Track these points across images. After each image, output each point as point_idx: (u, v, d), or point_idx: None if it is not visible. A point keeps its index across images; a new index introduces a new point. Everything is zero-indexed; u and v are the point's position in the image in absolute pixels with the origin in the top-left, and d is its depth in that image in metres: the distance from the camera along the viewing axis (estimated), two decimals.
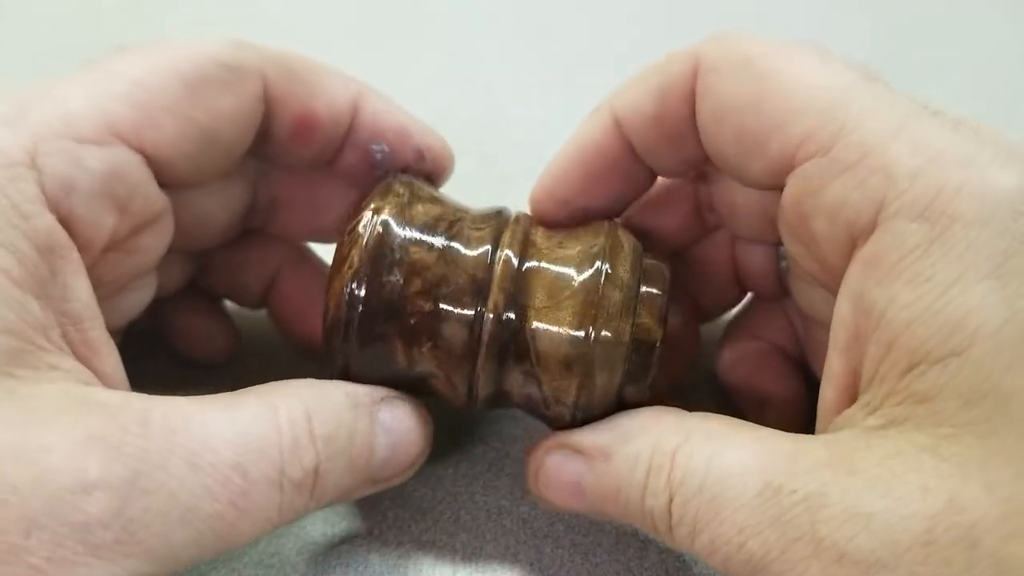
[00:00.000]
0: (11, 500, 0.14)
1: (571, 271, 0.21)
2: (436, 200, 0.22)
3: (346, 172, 0.24)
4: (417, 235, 0.21)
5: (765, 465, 0.17)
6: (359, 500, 0.24)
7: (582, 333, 0.20)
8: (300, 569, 0.23)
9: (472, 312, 0.20)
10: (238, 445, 0.17)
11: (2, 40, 0.48)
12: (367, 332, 0.20)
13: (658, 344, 0.21)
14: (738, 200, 0.23)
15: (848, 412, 0.18)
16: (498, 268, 0.21)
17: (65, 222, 0.18)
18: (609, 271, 0.20)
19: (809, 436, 0.18)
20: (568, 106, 0.39)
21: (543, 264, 0.21)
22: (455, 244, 0.21)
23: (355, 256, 0.20)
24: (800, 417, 0.25)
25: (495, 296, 0.20)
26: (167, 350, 0.28)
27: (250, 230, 0.26)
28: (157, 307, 0.27)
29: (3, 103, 0.19)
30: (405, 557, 0.23)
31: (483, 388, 0.21)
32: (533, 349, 0.20)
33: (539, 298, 0.20)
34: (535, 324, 0.20)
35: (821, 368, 0.20)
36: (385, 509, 0.24)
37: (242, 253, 0.27)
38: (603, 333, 0.20)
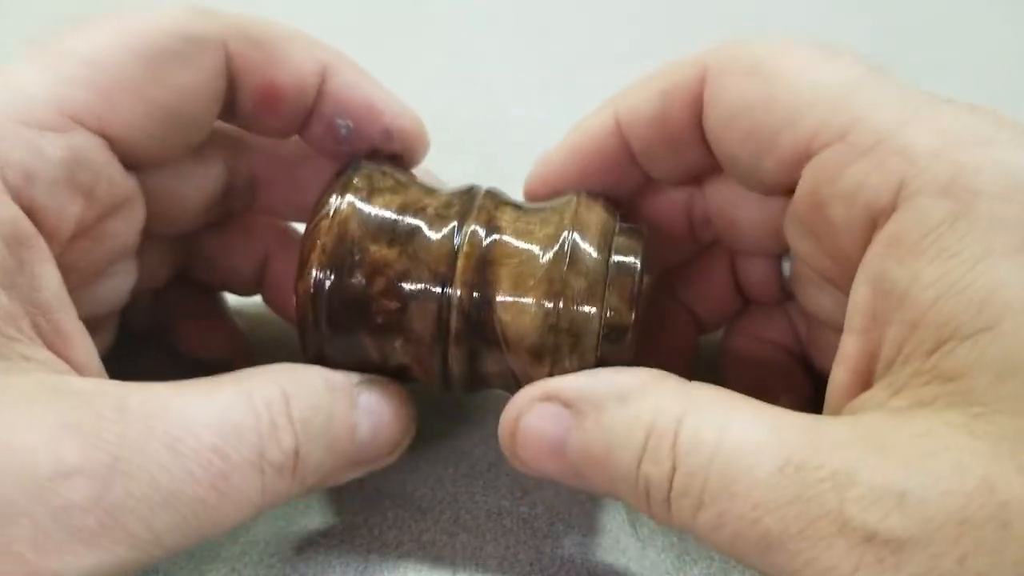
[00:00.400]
0: None
1: (536, 257, 0.20)
2: (398, 188, 0.22)
3: (316, 143, 0.23)
4: (377, 232, 0.20)
5: (784, 440, 0.16)
6: (359, 500, 0.24)
7: (548, 321, 0.20)
8: (300, 569, 0.23)
9: (437, 306, 0.20)
10: (217, 429, 0.17)
11: (2, 40, 0.48)
12: (336, 332, 0.21)
13: (629, 328, 0.20)
14: (739, 213, 0.23)
15: (866, 395, 0.18)
16: (460, 261, 0.20)
17: (28, 211, 0.17)
18: (573, 255, 0.20)
19: (824, 416, 0.17)
20: (568, 106, 0.39)
21: (508, 250, 0.21)
22: (418, 237, 0.21)
23: (314, 260, 0.20)
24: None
25: (460, 289, 0.20)
26: (170, 349, 0.28)
27: (233, 214, 0.26)
28: (158, 306, 0.27)
29: None
30: (405, 557, 0.23)
31: (458, 376, 0.21)
32: (502, 337, 0.20)
33: (504, 286, 0.20)
34: (501, 314, 0.20)
35: (826, 367, 0.19)
36: (385, 509, 0.24)
37: (229, 239, 0.26)
38: (569, 320, 0.20)
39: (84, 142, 0.19)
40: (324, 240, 0.20)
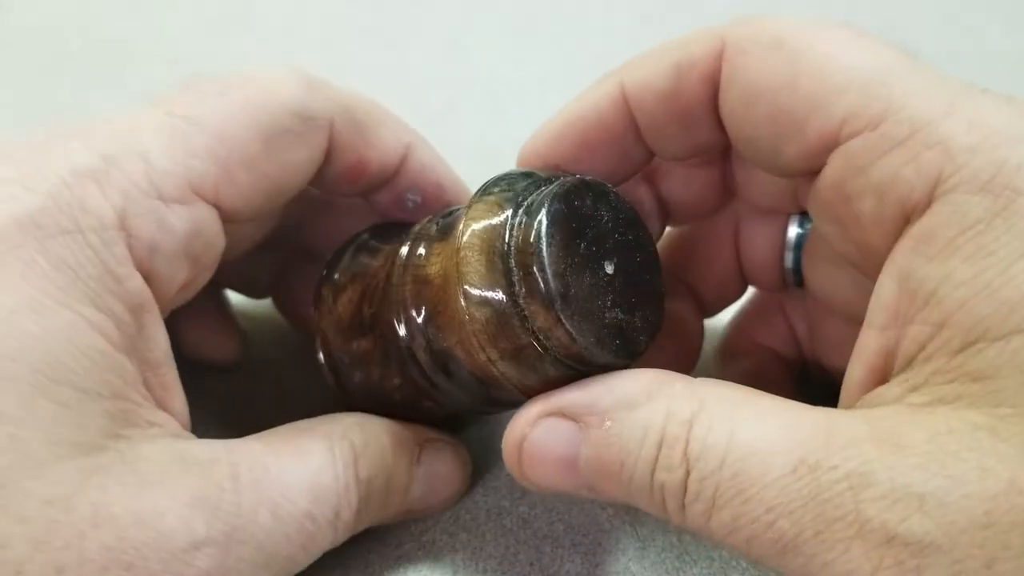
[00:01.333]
0: (136, 562, 0.16)
1: (449, 298, 0.19)
2: (357, 276, 0.23)
3: (379, 207, 0.25)
4: (349, 331, 0.23)
5: (797, 439, 0.16)
6: None
7: (485, 362, 0.19)
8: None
9: (414, 365, 0.21)
10: (309, 494, 0.19)
11: (4, 38, 0.48)
12: (364, 407, 0.23)
13: (560, 320, 0.18)
14: (753, 180, 0.23)
15: (881, 389, 0.17)
16: (402, 320, 0.21)
17: (147, 279, 0.19)
18: (466, 296, 0.18)
19: (839, 410, 0.17)
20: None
21: (433, 287, 0.20)
22: (380, 320, 0.22)
23: (322, 361, 0.24)
24: None
25: (420, 359, 0.21)
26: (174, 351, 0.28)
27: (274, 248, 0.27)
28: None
29: (82, 148, 0.19)
30: (405, 557, 0.23)
31: (466, 415, 0.23)
32: (472, 377, 0.20)
33: (444, 333, 0.20)
34: (460, 357, 0.20)
35: (831, 364, 0.19)
36: None
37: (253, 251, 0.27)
38: (497, 355, 0.19)
39: (203, 215, 0.20)
40: (321, 343, 0.24)
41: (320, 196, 0.26)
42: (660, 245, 0.27)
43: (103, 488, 0.16)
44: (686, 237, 0.27)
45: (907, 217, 0.17)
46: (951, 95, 0.17)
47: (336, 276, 0.24)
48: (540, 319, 0.18)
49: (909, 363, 0.17)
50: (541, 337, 0.18)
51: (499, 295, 0.18)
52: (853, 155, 0.18)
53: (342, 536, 0.20)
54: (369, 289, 0.22)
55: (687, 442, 0.17)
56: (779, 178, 0.21)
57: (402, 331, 0.21)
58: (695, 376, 0.19)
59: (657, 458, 0.17)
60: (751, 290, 0.27)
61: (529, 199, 0.19)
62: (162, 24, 0.50)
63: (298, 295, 0.28)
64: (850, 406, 0.18)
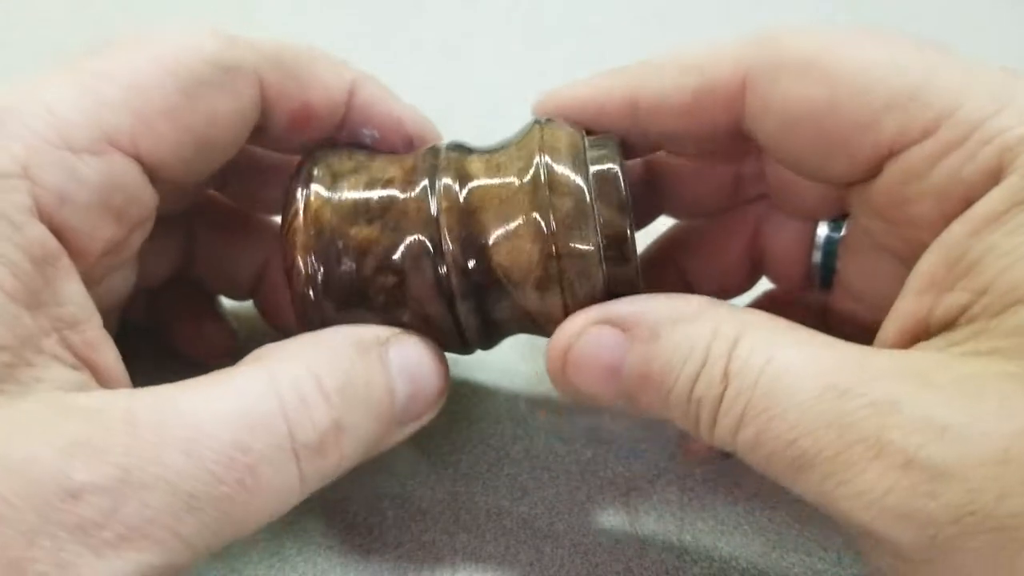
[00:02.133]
0: (7, 513, 0.14)
1: (515, 191, 0.20)
2: (360, 168, 0.22)
3: None
4: (352, 215, 0.20)
5: (831, 367, 0.16)
6: (359, 500, 0.24)
7: (545, 251, 0.19)
8: (300, 569, 0.23)
9: (433, 269, 0.20)
10: (235, 422, 0.16)
11: (3, 37, 0.48)
12: (341, 321, 0.21)
13: (627, 236, 0.19)
14: (798, 180, 0.23)
15: (921, 344, 0.18)
16: (442, 218, 0.20)
17: (58, 232, 0.18)
18: (551, 178, 0.20)
19: (875, 348, 0.18)
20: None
21: (486, 194, 0.20)
22: (393, 207, 0.20)
23: (300, 257, 0.20)
24: None
25: (450, 245, 0.20)
26: (169, 347, 0.28)
27: (236, 218, 0.27)
28: (153, 304, 0.27)
29: None
30: (405, 557, 0.23)
31: (473, 332, 0.21)
32: (506, 280, 0.20)
33: (492, 229, 0.20)
34: (497, 258, 0.20)
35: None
36: (385, 509, 0.24)
37: (230, 247, 0.27)
38: (567, 248, 0.19)
39: (120, 166, 0.19)
40: (303, 237, 0.20)
41: (276, 159, 0.25)
42: (660, 234, 0.27)
43: None
44: (689, 229, 0.27)
45: (967, 209, 0.17)
46: (997, 87, 0.17)
47: (331, 161, 0.22)
48: (614, 226, 0.19)
49: (949, 326, 0.17)
50: (604, 244, 0.19)
51: (584, 194, 0.19)
52: (911, 164, 0.18)
53: (329, 461, 0.18)
54: (376, 182, 0.21)
55: (728, 359, 0.17)
56: (822, 186, 0.21)
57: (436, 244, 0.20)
58: None
59: (699, 373, 0.18)
60: (755, 288, 0.27)
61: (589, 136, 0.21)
62: (160, 25, 0.50)
63: (279, 297, 0.27)
64: None
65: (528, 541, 0.24)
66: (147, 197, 0.20)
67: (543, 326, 0.21)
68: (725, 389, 0.17)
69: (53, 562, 0.14)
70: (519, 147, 0.21)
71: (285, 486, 0.17)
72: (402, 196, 0.21)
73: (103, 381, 0.18)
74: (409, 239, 0.20)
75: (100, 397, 0.17)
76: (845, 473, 0.15)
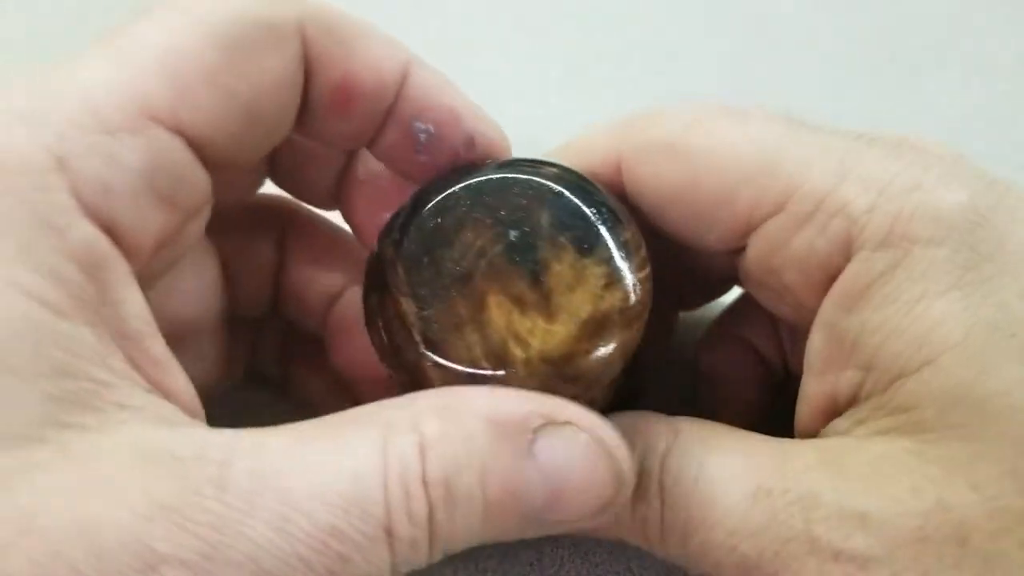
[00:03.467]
0: None
1: None
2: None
3: (390, 155, 0.21)
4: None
5: (755, 468, 0.17)
6: None
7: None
8: None
9: (616, 386, 0.20)
10: (335, 504, 0.14)
11: (4, 35, 0.48)
12: None
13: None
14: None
15: (833, 424, 0.19)
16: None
17: (107, 230, 0.15)
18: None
19: (795, 440, 0.18)
20: (567, 104, 0.39)
21: None
22: None
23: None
24: (755, 422, 0.25)
25: (623, 377, 0.19)
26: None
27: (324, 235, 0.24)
28: (261, 348, 0.26)
29: (17, 94, 0.16)
30: None
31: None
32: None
33: None
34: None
35: (800, 359, 0.20)
36: None
37: (313, 265, 0.24)
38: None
39: (163, 143, 0.16)
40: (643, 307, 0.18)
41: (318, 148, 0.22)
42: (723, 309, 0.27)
43: (36, 490, 0.13)
44: (748, 299, 0.27)
45: (831, 279, 0.18)
46: (841, 157, 0.18)
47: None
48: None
49: (852, 402, 0.18)
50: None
51: None
52: (769, 236, 0.19)
53: (421, 554, 0.15)
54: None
55: (661, 473, 0.18)
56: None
57: None
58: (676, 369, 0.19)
59: (636, 490, 0.18)
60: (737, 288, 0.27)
61: None
62: None
63: (366, 201, 0.22)
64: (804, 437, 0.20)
65: (528, 541, 0.24)
66: (198, 178, 0.17)
67: None
68: (663, 504, 0.18)
69: None
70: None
71: (375, 573, 0.15)
72: None
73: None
74: None
75: (197, 441, 0.15)
76: (786, 573, 0.16)
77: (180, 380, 0.17)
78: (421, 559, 0.15)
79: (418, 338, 0.18)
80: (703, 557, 0.17)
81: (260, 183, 0.24)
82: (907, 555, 0.15)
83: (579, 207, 0.18)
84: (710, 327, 0.27)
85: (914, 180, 0.18)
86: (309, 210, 0.25)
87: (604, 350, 0.17)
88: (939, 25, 0.47)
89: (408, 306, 0.18)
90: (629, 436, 0.18)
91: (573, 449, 0.16)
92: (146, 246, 0.16)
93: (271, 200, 0.24)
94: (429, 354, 0.18)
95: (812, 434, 0.19)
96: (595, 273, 0.18)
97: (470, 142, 0.20)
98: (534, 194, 0.18)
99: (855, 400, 0.18)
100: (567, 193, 0.18)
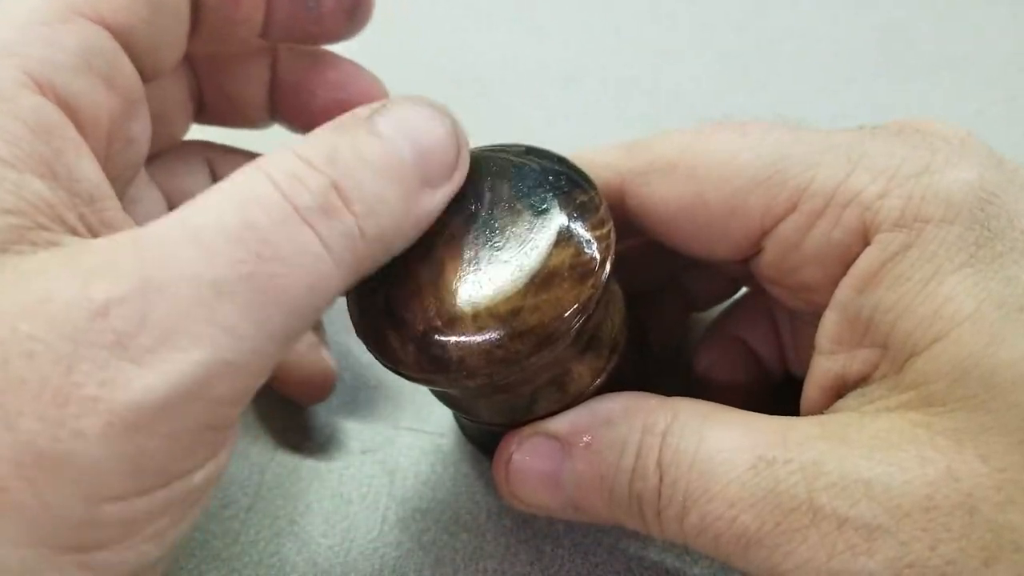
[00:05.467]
0: (37, 348, 0.14)
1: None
2: None
3: (286, 28, 0.23)
4: None
5: (757, 440, 0.17)
6: (359, 501, 0.24)
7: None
8: (300, 569, 0.23)
9: (599, 365, 0.20)
10: (235, 204, 0.16)
11: None
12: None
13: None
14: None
15: (839, 403, 0.19)
16: (625, 328, 0.21)
17: (57, 102, 0.17)
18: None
19: (797, 418, 0.18)
20: (566, 103, 0.39)
21: None
22: (611, 287, 0.20)
23: None
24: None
25: (616, 357, 0.20)
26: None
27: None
28: None
29: None
30: (405, 557, 0.23)
31: None
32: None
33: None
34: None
35: (802, 359, 0.20)
36: (385, 509, 0.24)
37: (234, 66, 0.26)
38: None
39: (91, 30, 0.18)
40: (603, 268, 0.19)
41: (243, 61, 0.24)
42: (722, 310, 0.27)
43: None
44: (743, 302, 0.27)
45: (848, 269, 0.18)
46: (847, 151, 0.18)
47: None
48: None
49: (862, 382, 0.18)
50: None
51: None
52: (783, 237, 0.19)
53: (347, 226, 0.16)
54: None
55: (660, 450, 0.18)
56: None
57: None
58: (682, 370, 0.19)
59: (634, 469, 0.18)
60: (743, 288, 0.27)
61: None
62: None
63: (301, 97, 0.25)
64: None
65: (528, 541, 0.24)
66: (125, 65, 0.19)
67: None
68: (661, 480, 0.18)
69: (97, 382, 0.14)
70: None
71: (309, 253, 0.16)
72: None
73: None
74: None
75: (110, 237, 0.17)
76: (789, 544, 0.16)
77: None
78: (350, 233, 0.16)
79: (381, 306, 0.19)
80: (702, 532, 0.17)
81: (187, 124, 0.25)
82: (915, 524, 0.15)
83: (538, 176, 0.19)
84: (708, 329, 0.27)
85: (923, 163, 0.18)
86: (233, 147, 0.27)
87: (553, 305, 0.17)
88: (939, 25, 0.47)
89: (374, 279, 0.18)
90: (627, 414, 0.19)
91: (403, 112, 0.18)
92: (100, 123, 0.18)
93: (196, 142, 0.26)
94: (389, 321, 0.18)
95: (818, 412, 0.19)
96: (547, 230, 0.18)
97: None
98: (498, 169, 0.19)
99: (865, 380, 0.18)
100: (529, 165, 0.19)
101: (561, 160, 0.20)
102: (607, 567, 0.23)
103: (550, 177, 0.19)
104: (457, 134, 0.19)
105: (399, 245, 0.18)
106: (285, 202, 0.16)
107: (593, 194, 0.19)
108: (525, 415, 0.20)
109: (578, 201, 0.19)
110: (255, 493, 0.25)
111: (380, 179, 0.17)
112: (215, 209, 0.16)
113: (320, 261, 0.16)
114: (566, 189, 0.19)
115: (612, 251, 0.18)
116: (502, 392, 0.19)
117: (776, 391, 0.26)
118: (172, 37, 0.21)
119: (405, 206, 0.17)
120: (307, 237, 0.16)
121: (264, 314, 0.15)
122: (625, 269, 0.21)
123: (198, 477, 0.16)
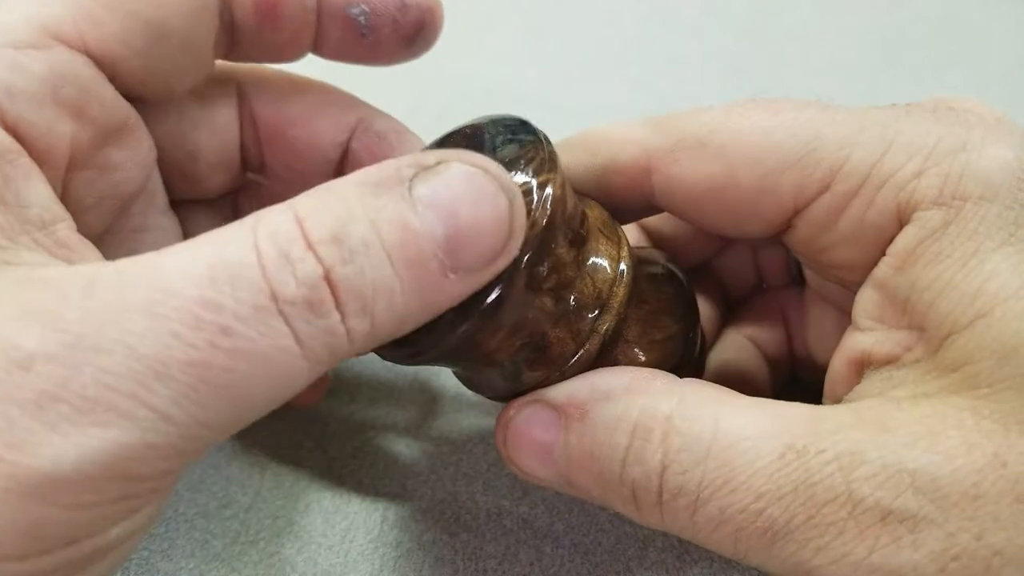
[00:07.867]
0: None
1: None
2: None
3: (338, 49, 0.22)
4: (566, 227, 0.18)
5: (785, 428, 0.16)
6: (358, 501, 0.24)
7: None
8: (300, 569, 0.23)
9: (584, 326, 0.19)
10: (201, 274, 0.14)
11: None
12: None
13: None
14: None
15: (861, 387, 0.18)
16: (620, 290, 0.19)
17: (12, 130, 0.17)
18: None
19: (823, 406, 0.17)
20: (565, 103, 0.39)
21: (644, 294, 0.20)
22: (587, 246, 0.19)
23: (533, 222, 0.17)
24: None
25: (610, 319, 0.19)
26: None
27: (248, 180, 0.24)
28: None
29: None
30: (405, 557, 0.23)
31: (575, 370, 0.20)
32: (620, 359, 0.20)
33: (634, 330, 0.20)
34: (625, 347, 0.20)
35: (824, 355, 0.20)
36: (384, 509, 0.24)
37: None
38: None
39: (66, 58, 0.17)
40: (535, 217, 0.17)
41: (263, 94, 0.23)
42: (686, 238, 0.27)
43: None
44: (752, 301, 0.27)
45: (884, 249, 0.18)
46: (880, 131, 0.18)
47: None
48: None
49: (893, 362, 0.18)
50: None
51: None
52: (816, 217, 0.19)
53: (332, 322, 0.14)
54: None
55: (666, 436, 0.17)
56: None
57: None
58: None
59: (628, 450, 0.17)
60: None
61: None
62: None
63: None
64: (833, 400, 0.19)
65: (528, 541, 0.24)
66: (108, 96, 0.19)
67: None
68: (664, 468, 0.17)
69: (4, 442, 0.13)
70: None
71: (275, 349, 0.14)
72: (594, 241, 0.20)
73: None
74: (587, 286, 0.19)
75: (66, 267, 0.15)
76: (822, 538, 0.15)
77: (91, 258, 0.17)
78: (334, 330, 0.15)
79: None
80: (720, 526, 0.16)
81: (225, 185, 0.24)
82: (962, 514, 0.15)
83: (488, 136, 0.19)
84: (717, 327, 0.27)
85: (959, 141, 0.17)
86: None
87: None
88: (939, 26, 0.47)
89: None
90: (628, 391, 0.18)
91: (452, 180, 0.15)
92: (57, 151, 0.18)
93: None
94: None
95: (842, 386, 0.19)
96: None
97: (403, 6, 0.21)
98: (471, 131, 0.19)
99: (892, 363, 0.17)
100: (487, 130, 0.19)
101: (520, 122, 0.19)
102: (607, 567, 0.23)
103: (501, 128, 0.19)
104: (512, 216, 0.16)
105: (402, 332, 0.16)
106: (264, 285, 0.14)
107: (543, 147, 0.18)
108: (520, 387, 0.19)
109: (520, 153, 0.18)
110: (255, 493, 0.25)
111: (391, 267, 0.15)
112: (183, 270, 0.14)
113: (288, 356, 0.14)
114: (506, 140, 0.18)
115: (558, 198, 0.17)
116: (485, 365, 0.19)
117: (779, 392, 0.26)
118: (180, 65, 0.20)
119: (417, 299, 0.15)
120: (279, 331, 0.14)
121: (204, 405, 0.14)
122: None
123: (113, 534, 0.15)
